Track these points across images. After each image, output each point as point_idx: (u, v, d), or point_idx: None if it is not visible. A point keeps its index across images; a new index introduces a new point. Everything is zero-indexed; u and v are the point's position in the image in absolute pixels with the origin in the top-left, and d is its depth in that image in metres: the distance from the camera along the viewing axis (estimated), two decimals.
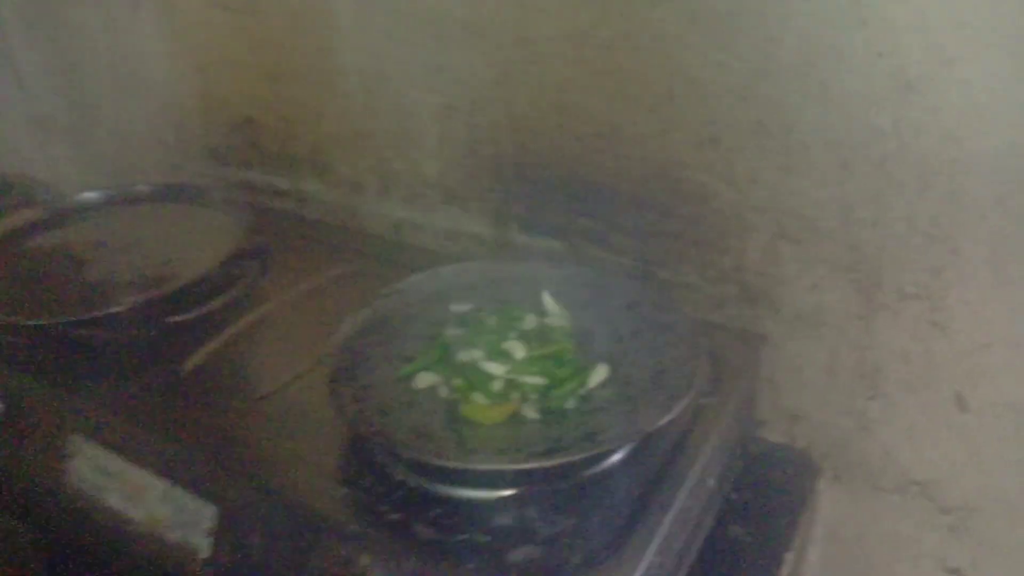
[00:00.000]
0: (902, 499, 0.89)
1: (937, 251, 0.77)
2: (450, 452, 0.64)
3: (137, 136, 1.38)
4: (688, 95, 0.83)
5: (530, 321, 0.78)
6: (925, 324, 0.80)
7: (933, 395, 0.82)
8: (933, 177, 0.74)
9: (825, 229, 0.81)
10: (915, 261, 0.78)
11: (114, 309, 0.85)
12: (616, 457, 0.68)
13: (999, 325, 0.77)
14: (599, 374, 0.71)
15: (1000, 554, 0.86)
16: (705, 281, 0.91)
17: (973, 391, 0.80)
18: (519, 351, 0.72)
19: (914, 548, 0.91)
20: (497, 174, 1.00)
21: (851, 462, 0.90)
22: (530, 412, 0.69)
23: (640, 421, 0.64)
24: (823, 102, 0.76)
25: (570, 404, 0.69)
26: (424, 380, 0.72)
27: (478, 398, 0.69)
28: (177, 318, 0.89)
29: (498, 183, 1.01)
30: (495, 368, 0.70)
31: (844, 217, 0.80)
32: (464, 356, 0.73)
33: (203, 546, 0.70)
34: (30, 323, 0.87)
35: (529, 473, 0.65)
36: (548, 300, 0.80)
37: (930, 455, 0.85)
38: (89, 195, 1.11)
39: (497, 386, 0.70)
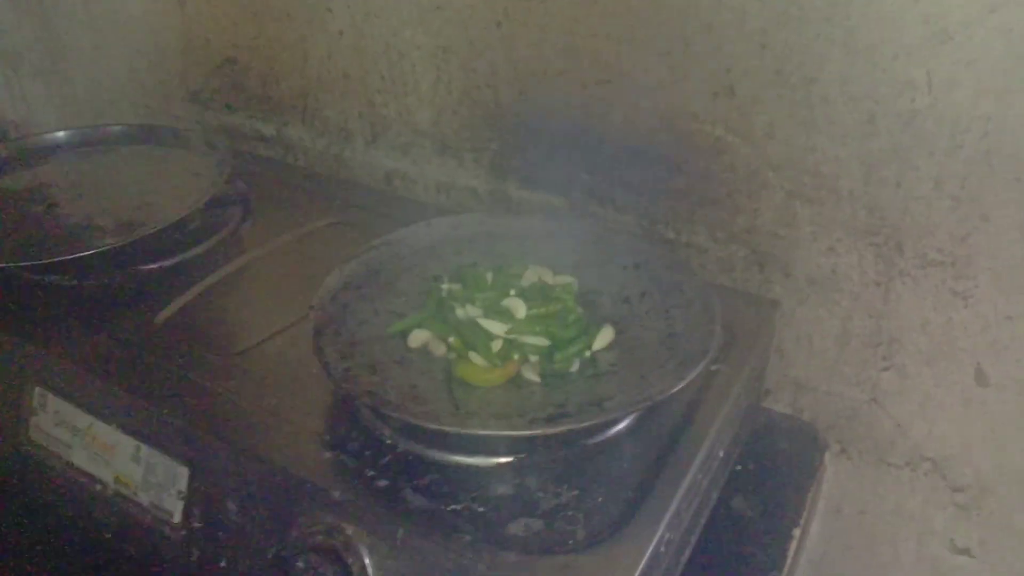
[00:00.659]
0: (911, 475, 0.86)
1: (965, 215, 0.72)
2: (445, 415, 0.59)
3: (112, 76, 1.31)
4: (703, 41, 0.78)
5: (530, 277, 0.73)
6: (947, 293, 0.76)
7: (951, 368, 0.79)
8: (965, 135, 0.70)
9: (845, 189, 0.77)
10: (940, 225, 0.74)
11: (82, 253, 0.79)
12: (622, 425, 0.64)
13: None
14: (605, 336, 0.67)
15: (1011, 535, 0.83)
16: (714, 242, 0.86)
17: (994, 365, 0.77)
18: (520, 309, 0.67)
19: (920, 526, 0.88)
20: (495, 123, 0.94)
21: (859, 435, 0.87)
22: (530, 375, 0.64)
23: (651, 388, 0.59)
24: (849, 51, 0.71)
25: (574, 368, 0.65)
26: (417, 338, 0.67)
27: (476, 358, 0.64)
28: (151, 266, 0.85)
29: (496, 133, 0.95)
30: (495, 327, 0.65)
31: (866, 177, 0.75)
32: (461, 313, 0.68)
33: (176, 510, 0.65)
34: None
35: (530, 440, 0.60)
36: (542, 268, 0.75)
37: (944, 430, 0.82)
38: (60, 135, 1.05)
39: (496, 346, 0.65)
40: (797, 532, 0.76)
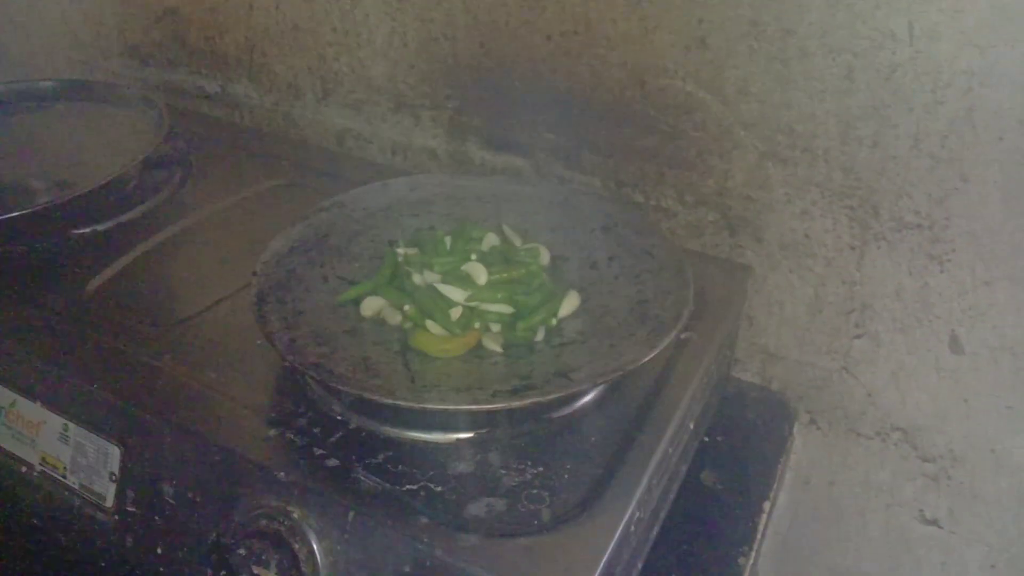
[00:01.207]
0: (882, 446, 0.84)
1: (944, 175, 0.70)
2: (400, 389, 0.54)
3: (44, 29, 1.24)
4: None
5: (491, 241, 0.69)
6: (923, 257, 0.74)
7: (925, 335, 0.77)
8: (946, 90, 0.67)
9: (820, 148, 0.74)
10: (918, 186, 0.71)
11: (8, 215, 0.74)
12: (589, 397, 0.60)
13: (1005, 261, 0.71)
14: (570, 302, 0.63)
15: (980, 505, 0.82)
16: (682, 206, 0.83)
17: (970, 332, 0.75)
18: (480, 275, 0.63)
19: (889, 497, 0.86)
20: (453, 79, 0.90)
21: (829, 405, 0.85)
22: (492, 345, 0.60)
23: (621, 357, 0.55)
24: (830, 1, 0.68)
25: (538, 337, 0.61)
26: (370, 306, 0.63)
27: (433, 327, 0.60)
28: (83, 230, 0.80)
29: (454, 89, 0.90)
30: (454, 293, 0.61)
31: (843, 135, 0.72)
32: (417, 279, 0.63)
33: (108, 493, 0.60)
34: None
35: (491, 415, 0.56)
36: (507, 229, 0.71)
37: (916, 400, 0.80)
38: None
39: (455, 314, 0.60)
40: (767, 506, 0.74)
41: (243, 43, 1.04)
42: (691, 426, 0.66)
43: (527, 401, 0.52)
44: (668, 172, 0.82)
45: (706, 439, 0.78)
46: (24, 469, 0.65)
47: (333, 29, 0.95)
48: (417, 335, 0.60)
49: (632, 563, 0.58)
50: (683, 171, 0.81)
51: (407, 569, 0.50)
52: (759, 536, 0.72)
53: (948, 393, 0.78)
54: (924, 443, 0.81)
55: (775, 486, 0.76)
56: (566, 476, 0.55)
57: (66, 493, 0.63)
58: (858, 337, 0.80)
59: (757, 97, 0.74)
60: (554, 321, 0.61)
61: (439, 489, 0.53)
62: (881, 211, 0.74)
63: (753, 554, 0.70)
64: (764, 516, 0.73)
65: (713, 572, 0.67)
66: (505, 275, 0.64)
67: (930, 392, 0.79)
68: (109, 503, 0.60)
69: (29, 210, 0.74)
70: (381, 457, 0.55)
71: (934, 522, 0.85)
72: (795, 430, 0.86)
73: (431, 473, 0.55)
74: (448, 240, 0.68)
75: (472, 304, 0.61)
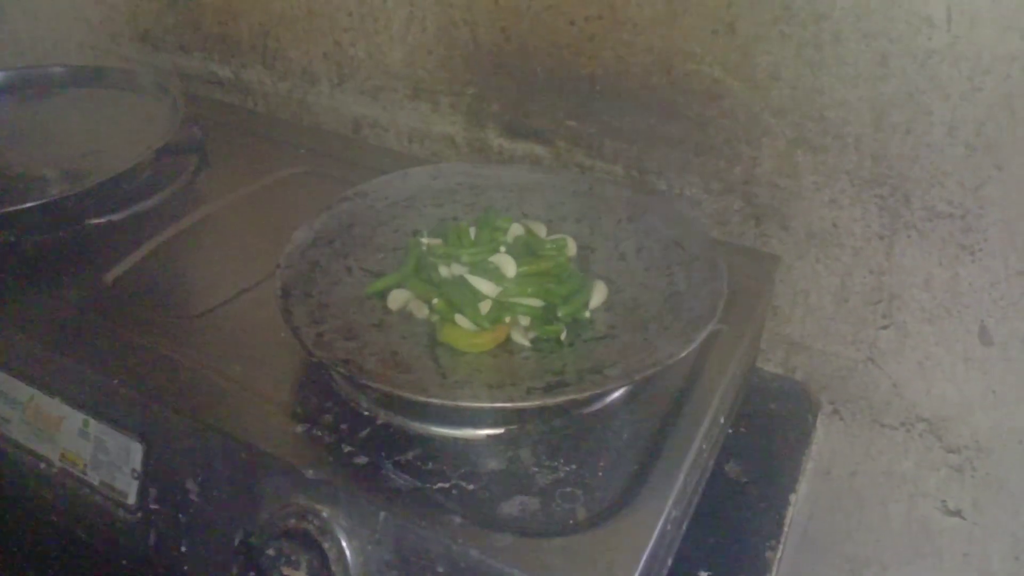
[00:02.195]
0: (906, 436, 0.83)
1: (979, 164, 0.69)
2: (432, 385, 0.53)
3: (55, 14, 1.22)
4: None
5: (515, 231, 0.67)
6: (954, 247, 0.72)
7: (954, 326, 0.76)
8: (985, 77, 0.65)
9: (852, 136, 0.72)
10: (952, 175, 0.70)
11: (23, 206, 0.73)
12: (620, 392, 0.59)
13: None
14: (599, 293, 0.61)
15: (1005, 496, 0.81)
16: (708, 194, 0.81)
17: (1000, 323, 0.74)
18: (509, 267, 0.62)
19: (912, 487, 0.86)
20: (473, 65, 0.88)
21: (853, 396, 0.84)
22: (520, 339, 0.59)
23: (656, 352, 0.54)
24: None
25: (564, 332, 0.59)
26: (397, 298, 0.61)
27: (462, 321, 0.58)
28: (99, 220, 0.78)
29: (474, 76, 0.89)
30: (484, 286, 0.59)
31: (875, 122, 0.71)
32: (445, 271, 0.62)
33: (130, 490, 0.59)
34: None
35: (521, 411, 0.55)
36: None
37: (942, 390, 0.79)
38: None
39: (485, 307, 0.59)
40: (794, 498, 0.73)
41: (257, 28, 1.02)
42: (722, 420, 0.65)
43: (561, 399, 0.51)
44: (694, 159, 0.80)
45: (730, 430, 0.77)
46: (43, 466, 0.63)
47: (349, 14, 0.93)
48: (445, 329, 0.58)
49: (664, 559, 0.57)
50: (709, 158, 0.80)
51: (440, 570, 0.49)
52: (786, 529, 0.71)
53: (975, 384, 0.77)
54: (949, 434, 0.81)
55: (800, 478, 0.75)
56: (600, 473, 0.54)
57: (87, 490, 0.62)
58: (884, 327, 0.79)
59: (788, 83, 0.73)
60: (587, 314, 0.60)
61: (471, 487, 0.52)
62: (912, 200, 0.72)
63: (780, 548, 0.69)
64: (791, 509, 0.72)
65: (742, 566, 0.66)
66: (534, 267, 0.62)
67: (957, 383, 0.78)
68: (131, 500, 0.59)
69: (44, 200, 0.73)
70: (411, 454, 0.54)
71: (957, 513, 0.84)
72: (818, 421, 0.85)
73: (462, 471, 0.53)
74: (473, 231, 0.67)
75: (502, 298, 0.60)
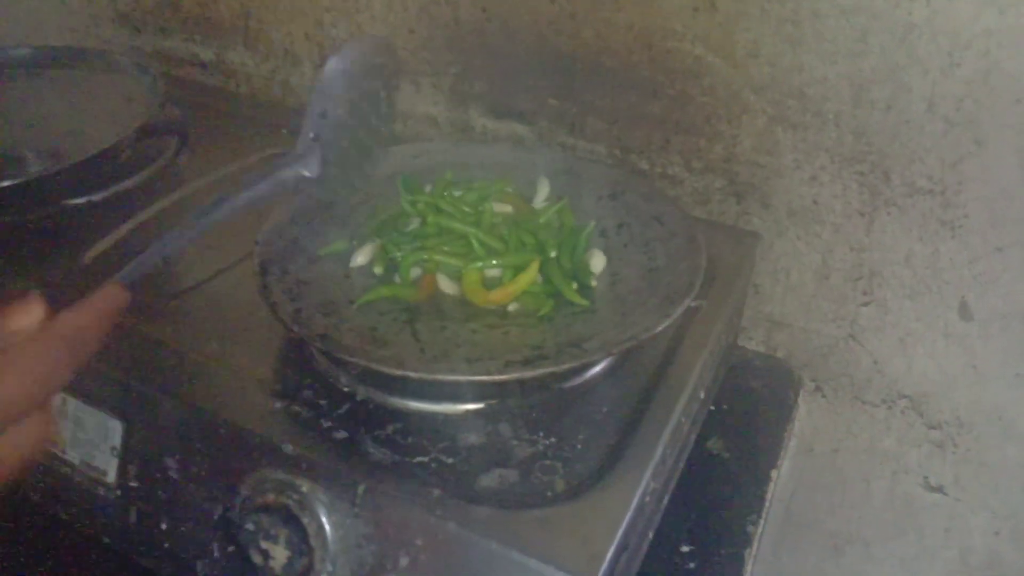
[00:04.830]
0: (887, 413, 0.83)
1: (958, 139, 0.69)
2: (410, 359, 0.53)
3: None
4: None
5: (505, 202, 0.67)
6: (935, 223, 0.73)
7: (934, 302, 0.76)
8: (964, 52, 0.65)
9: (831, 113, 0.72)
10: (931, 151, 0.70)
11: (1, 185, 0.71)
12: (600, 366, 0.59)
13: (1018, 226, 0.70)
14: (598, 262, 0.61)
15: (986, 472, 0.81)
16: (689, 173, 0.81)
17: (980, 298, 0.74)
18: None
19: (894, 464, 0.86)
20: (455, 44, 0.88)
21: (835, 373, 0.84)
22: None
23: (634, 326, 0.54)
24: None
25: (547, 307, 0.59)
26: (364, 254, 0.62)
27: (472, 275, 0.58)
28: (78, 200, 0.77)
29: (456, 55, 0.88)
30: (493, 240, 0.60)
31: (855, 99, 0.71)
32: (459, 227, 0.62)
33: (110, 469, 0.59)
34: None
35: (502, 385, 0.55)
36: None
37: (923, 367, 0.79)
38: None
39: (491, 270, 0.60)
40: (775, 474, 0.73)
41: (238, 9, 1.01)
42: (701, 395, 0.65)
43: (540, 371, 0.51)
44: (675, 138, 0.80)
45: (712, 407, 0.78)
46: None
47: None
48: (466, 279, 0.58)
49: (644, 532, 0.57)
50: (690, 137, 0.79)
51: (419, 542, 0.49)
52: (767, 504, 0.71)
53: (956, 360, 0.77)
54: (930, 410, 0.81)
55: (782, 454, 0.75)
56: (579, 446, 0.54)
57: (66, 469, 0.61)
58: (865, 304, 0.79)
59: (767, 60, 0.72)
60: (593, 282, 0.60)
61: (450, 461, 0.53)
62: (892, 176, 0.72)
63: (762, 522, 0.70)
64: (772, 484, 0.73)
65: (723, 540, 0.67)
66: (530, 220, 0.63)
67: (938, 359, 0.78)
68: (111, 478, 0.59)
69: (22, 180, 0.72)
70: (390, 429, 0.54)
71: (939, 489, 0.85)
72: (800, 398, 0.85)
73: (441, 445, 0.54)
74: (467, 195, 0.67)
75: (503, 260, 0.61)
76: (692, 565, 0.63)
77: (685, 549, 0.64)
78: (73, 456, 0.60)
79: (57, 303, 0.64)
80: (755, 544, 0.67)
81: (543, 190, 0.70)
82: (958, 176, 0.70)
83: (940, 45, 0.65)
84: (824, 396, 0.86)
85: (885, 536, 0.90)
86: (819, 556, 0.95)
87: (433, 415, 0.56)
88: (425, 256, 0.61)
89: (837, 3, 0.68)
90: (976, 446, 0.80)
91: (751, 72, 0.74)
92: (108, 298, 0.43)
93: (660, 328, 0.53)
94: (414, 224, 0.66)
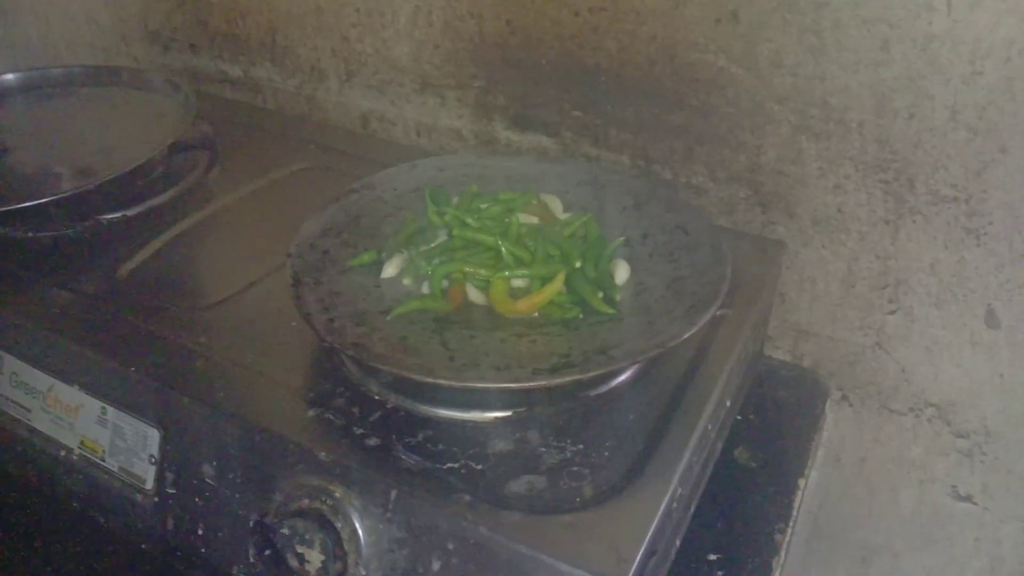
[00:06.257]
0: (915, 421, 0.83)
1: (982, 147, 0.69)
2: (440, 368, 0.54)
3: (66, 16, 1.23)
4: None
5: (531, 214, 0.68)
6: (959, 231, 0.73)
7: (961, 310, 0.76)
8: (985, 61, 0.65)
9: (854, 121, 0.72)
10: (955, 159, 0.70)
11: (38, 201, 0.74)
12: (627, 374, 0.60)
13: None
14: (622, 272, 0.62)
15: (1015, 481, 0.81)
16: (713, 182, 0.82)
17: (1006, 306, 0.74)
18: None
19: (922, 473, 0.86)
20: (479, 58, 0.89)
21: (861, 382, 0.84)
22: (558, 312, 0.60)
23: (660, 334, 0.55)
24: None
25: (573, 313, 0.60)
26: (393, 265, 0.63)
27: (500, 285, 0.59)
28: (113, 215, 0.79)
29: (480, 69, 0.89)
30: (520, 251, 0.61)
31: (878, 108, 0.71)
32: (488, 239, 0.63)
33: (148, 476, 0.60)
34: None
35: (529, 393, 0.56)
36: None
37: (950, 375, 0.79)
38: (11, 77, 0.99)
39: (518, 281, 0.61)
40: (803, 483, 0.73)
41: (265, 26, 1.03)
42: (728, 403, 0.65)
43: (567, 379, 0.52)
44: (698, 148, 0.81)
45: (739, 417, 0.78)
46: (63, 453, 0.65)
47: (356, 10, 0.94)
48: (494, 289, 0.59)
49: (672, 540, 0.57)
50: (714, 147, 0.80)
51: (450, 547, 0.50)
52: (795, 513, 0.71)
53: (983, 368, 0.77)
54: (958, 419, 0.81)
55: (809, 463, 0.75)
56: (606, 453, 0.54)
57: (105, 476, 0.63)
58: (892, 312, 0.79)
59: (790, 70, 0.73)
60: (617, 296, 0.61)
61: (479, 467, 0.53)
62: (917, 184, 0.73)
63: (789, 531, 0.70)
64: (799, 493, 0.73)
65: (751, 549, 0.67)
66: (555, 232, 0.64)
67: (965, 367, 0.78)
68: (149, 485, 0.61)
69: (58, 196, 0.74)
70: (421, 436, 0.55)
71: (968, 498, 0.84)
72: (827, 407, 0.85)
73: (471, 451, 0.54)
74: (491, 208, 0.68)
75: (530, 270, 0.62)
76: (720, 574, 0.63)
77: (713, 557, 0.65)
78: (112, 464, 0.62)
79: (94, 314, 0.67)
80: (783, 553, 0.67)
81: (555, 207, 0.71)
82: (982, 184, 0.70)
83: (961, 54, 0.66)
84: (851, 405, 0.86)
85: (914, 546, 0.90)
86: (847, 567, 0.95)
87: (463, 423, 0.56)
88: (453, 268, 0.62)
89: (858, 13, 0.68)
90: (1004, 455, 0.80)
91: (774, 82, 0.74)
92: None
93: (686, 336, 0.54)
94: (441, 236, 0.67)
